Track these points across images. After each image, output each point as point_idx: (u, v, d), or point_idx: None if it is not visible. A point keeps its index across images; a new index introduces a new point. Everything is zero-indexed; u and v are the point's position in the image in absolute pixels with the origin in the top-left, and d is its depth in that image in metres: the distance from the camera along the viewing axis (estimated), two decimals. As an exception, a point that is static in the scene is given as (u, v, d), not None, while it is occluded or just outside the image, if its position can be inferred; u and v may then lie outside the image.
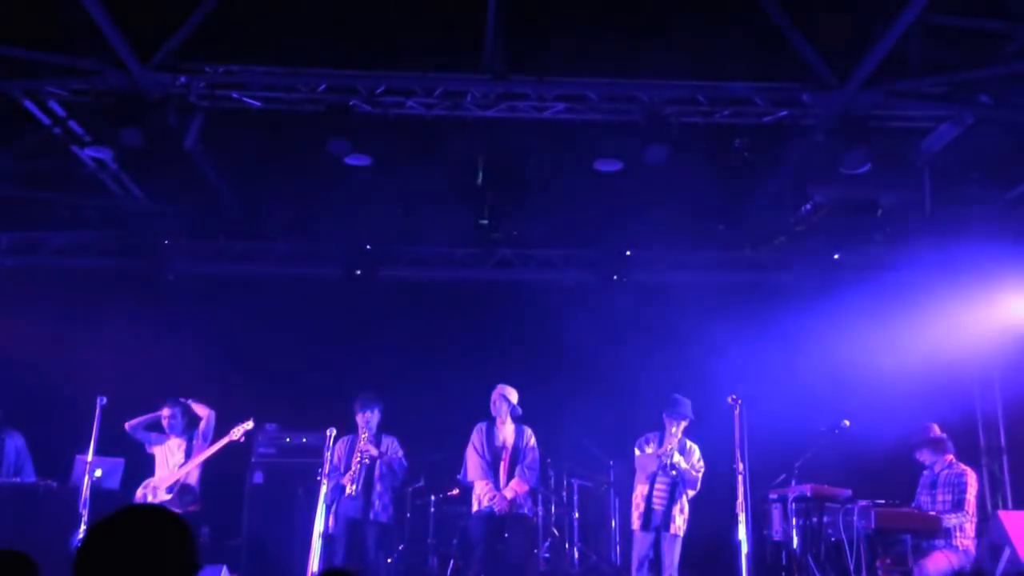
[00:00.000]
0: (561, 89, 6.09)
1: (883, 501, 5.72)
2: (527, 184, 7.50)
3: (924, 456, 6.02)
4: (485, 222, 7.87)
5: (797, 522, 5.94)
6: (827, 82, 5.77)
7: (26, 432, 7.23)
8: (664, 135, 6.04)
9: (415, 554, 7.47)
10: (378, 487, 6.31)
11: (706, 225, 8.25)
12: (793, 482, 6.17)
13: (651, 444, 6.24)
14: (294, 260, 8.77)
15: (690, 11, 5.41)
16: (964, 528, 5.66)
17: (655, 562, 6.07)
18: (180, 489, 6.42)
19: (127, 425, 6.64)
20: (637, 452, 6.31)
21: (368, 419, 6.42)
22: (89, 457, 5.98)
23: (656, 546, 6.07)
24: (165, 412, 6.61)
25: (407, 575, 7.47)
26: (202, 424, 6.60)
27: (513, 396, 6.45)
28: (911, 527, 5.61)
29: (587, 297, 8.49)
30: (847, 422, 6.21)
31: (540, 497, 7.35)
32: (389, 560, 7.14)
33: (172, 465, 6.54)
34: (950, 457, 5.94)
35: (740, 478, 5.23)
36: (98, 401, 5.98)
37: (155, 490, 6.49)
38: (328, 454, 5.93)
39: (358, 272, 8.62)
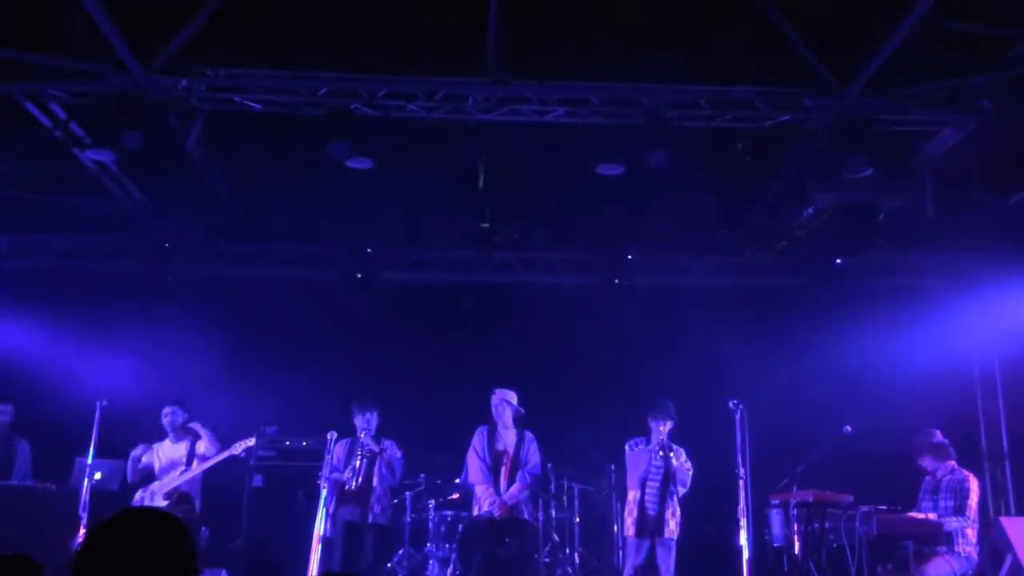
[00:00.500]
0: (562, 93, 6.09)
1: (885, 507, 5.70)
2: (528, 188, 7.50)
3: (926, 462, 6.01)
4: (486, 225, 7.87)
5: (798, 528, 5.92)
6: (829, 86, 5.77)
7: (26, 434, 7.21)
8: (666, 139, 6.03)
9: (415, 558, 7.44)
10: (377, 490, 6.30)
11: (708, 229, 8.24)
12: (795, 487, 6.15)
13: (640, 446, 6.25)
14: (295, 263, 8.77)
15: (691, 15, 5.41)
16: (966, 534, 5.64)
17: (647, 569, 6.05)
18: (178, 497, 6.40)
19: (130, 479, 6.60)
20: (627, 451, 6.32)
21: (368, 420, 6.42)
22: (89, 460, 5.97)
23: (650, 554, 6.06)
24: (165, 411, 6.60)
25: (407, 579, 7.44)
26: (201, 446, 6.54)
27: (513, 399, 6.44)
28: (913, 533, 5.60)
29: (588, 301, 8.48)
30: (849, 428, 6.19)
31: (540, 502, 7.33)
32: (388, 565, 7.12)
33: (172, 470, 6.52)
34: (952, 463, 5.93)
35: (741, 483, 5.22)
36: (97, 404, 5.97)
37: (153, 495, 6.48)
38: (328, 458, 5.92)
39: (359, 275, 8.62)
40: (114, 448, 6.65)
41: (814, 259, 8.48)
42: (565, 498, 7.75)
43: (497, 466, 6.30)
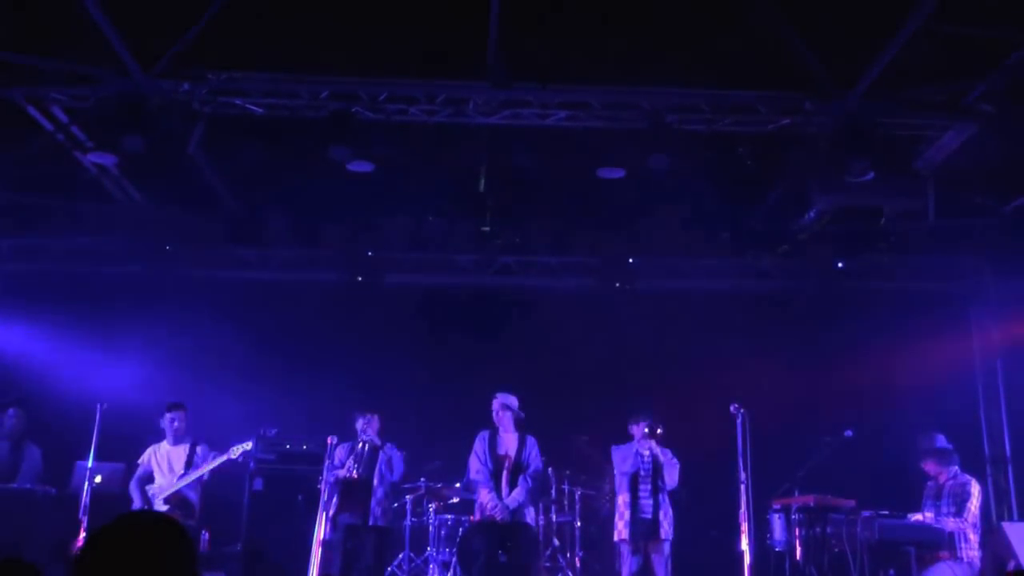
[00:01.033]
0: (563, 96, 6.09)
1: (887, 512, 5.69)
2: (529, 191, 7.50)
3: (930, 466, 5.99)
4: (487, 229, 7.86)
5: (800, 532, 5.91)
6: (830, 90, 5.77)
7: (27, 435, 7.20)
8: (667, 143, 6.03)
9: (415, 562, 7.43)
10: (378, 492, 6.29)
11: (709, 233, 8.23)
12: (796, 492, 6.14)
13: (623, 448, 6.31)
14: (296, 266, 8.77)
15: (693, 19, 5.41)
16: (968, 539, 5.62)
17: (643, 573, 6.03)
18: (178, 501, 6.38)
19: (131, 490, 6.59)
20: (613, 453, 6.36)
21: (368, 421, 6.42)
22: (89, 463, 5.96)
23: (646, 559, 6.04)
24: (169, 417, 6.59)
25: (407, 583, 7.42)
26: (198, 451, 6.55)
27: (514, 403, 6.44)
28: (915, 538, 5.58)
29: (589, 305, 8.48)
30: (850, 432, 6.18)
31: (541, 506, 7.32)
32: (389, 568, 7.10)
33: (171, 474, 6.51)
34: (955, 467, 5.92)
35: (743, 487, 5.20)
36: (98, 407, 5.96)
37: (153, 499, 6.47)
38: (328, 462, 5.92)
39: (360, 278, 8.62)
40: (115, 451, 6.64)
41: (815, 263, 8.48)
42: (566, 502, 7.74)
43: (498, 470, 6.29)
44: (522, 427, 6.47)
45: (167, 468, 6.54)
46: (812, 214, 7.30)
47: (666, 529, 6.05)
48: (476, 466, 6.34)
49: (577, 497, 7.71)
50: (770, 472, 5.94)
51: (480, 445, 6.39)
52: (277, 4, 5.44)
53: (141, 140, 5.78)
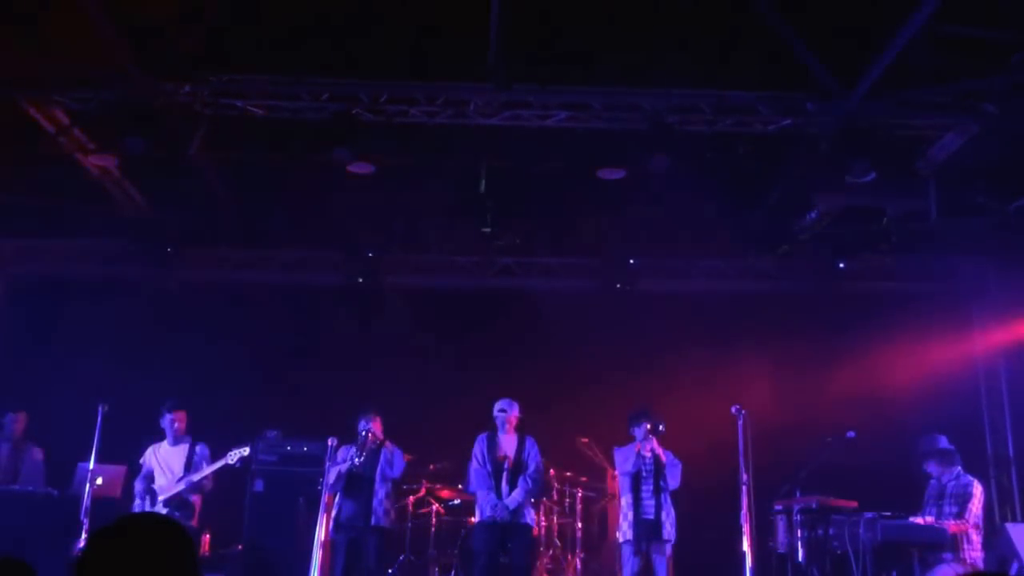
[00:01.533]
0: (564, 97, 6.09)
1: (889, 513, 5.67)
2: (530, 192, 7.49)
3: (932, 467, 5.97)
4: (488, 230, 7.86)
5: (802, 534, 5.89)
6: (831, 91, 5.75)
7: (27, 437, 7.20)
8: (667, 144, 6.03)
9: (416, 564, 7.42)
10: (379, 492, 6.29)
11: (710, 234, 8.23)
12: (798, 493, 6.12)
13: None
14: (297, 268, 8.78)
15: (693, 20, 5.41)
16: (971, 540, 5.61)
17: (644, 573, 6.02)
18: (178, 504, 6.38)
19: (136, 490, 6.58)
20: (615, 454, 6.36)
21: (369, 421, 6.42)
22: (91, 465, 5.96)
23: (647, 560, 6.03)
24: (170, 417, 6.59)
25: (408, 585, 7.42)
26: (197, 451, 6.55)
27: (515, 409, 6.43)
28: (918, 539, 5.56)
29: (590, 306, 8.48)
30: (852, 433, 6.16)
31: (542, 507, 7.31)
32: (390, 570, 7.10)
33: (171, 474, 6.51)
34: (958, 468, 5.89)
35: (744, 489, 5.19)
36: (99, 409, 5.96)
37: (153, 500, 6.45)
38: (329, 465, 5.91)
39: (360, 280, 8.62)
40: (116, 454, 6.64)
41: (817, 263, 8.47)
42: (567, 503, 7.73)
43: (498, 471, 6.29)
44: (522, 428, 6.47)
45: (167, 468, 6.54)
46: (813, 215, 7.30)
47: (668, 530, 6.05)
48: (475, 469, 6.34)
49: (578, 498, 7.71)
50: (771, 473, 5.94)
51: (479, 448, 6.39)
52: (277, 6, 5.44)
53: (142, 142, 5.79)
